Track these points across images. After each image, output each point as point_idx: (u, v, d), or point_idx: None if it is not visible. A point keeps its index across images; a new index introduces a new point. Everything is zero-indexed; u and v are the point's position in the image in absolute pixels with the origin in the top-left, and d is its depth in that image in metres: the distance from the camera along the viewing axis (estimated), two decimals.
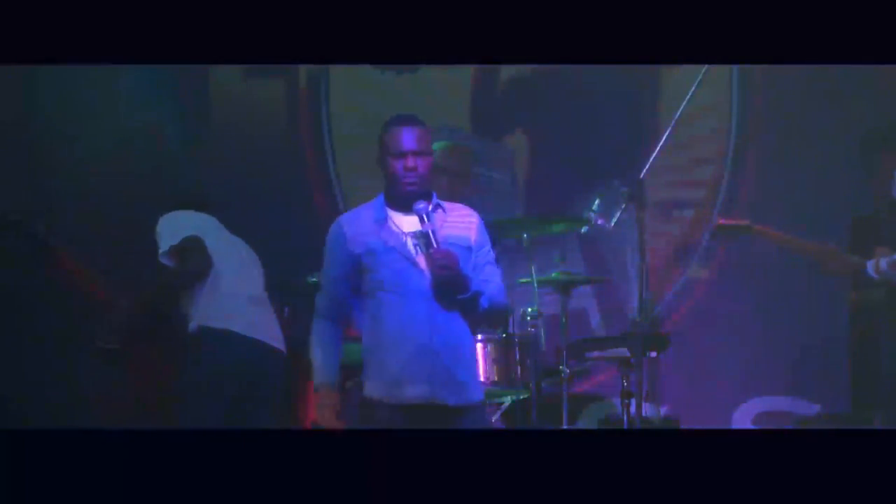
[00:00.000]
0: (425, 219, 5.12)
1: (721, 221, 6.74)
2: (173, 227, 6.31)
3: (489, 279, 5.21)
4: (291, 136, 8.40)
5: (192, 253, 6.26)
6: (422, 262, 5.12)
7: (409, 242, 5.16)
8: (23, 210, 7.43)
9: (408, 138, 5.14)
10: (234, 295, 6.36)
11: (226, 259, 6.37)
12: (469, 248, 5.18)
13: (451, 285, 5.09)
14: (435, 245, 5.09)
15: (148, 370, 7.02)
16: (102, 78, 7.76)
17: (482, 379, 6.06)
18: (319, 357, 5.21)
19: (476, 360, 5.42)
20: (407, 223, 5.19)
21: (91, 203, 7.80)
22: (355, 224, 5.22)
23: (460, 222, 5.22)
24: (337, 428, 5.07)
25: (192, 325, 6.28)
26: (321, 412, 5.13)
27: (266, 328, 6.41)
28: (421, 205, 5.13)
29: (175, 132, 8.02)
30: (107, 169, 7.83)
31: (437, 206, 5.21)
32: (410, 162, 5.13)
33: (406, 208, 5.18)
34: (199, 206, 6.50)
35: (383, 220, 5.17)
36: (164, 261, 6.27)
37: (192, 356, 6.27)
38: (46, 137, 7.95)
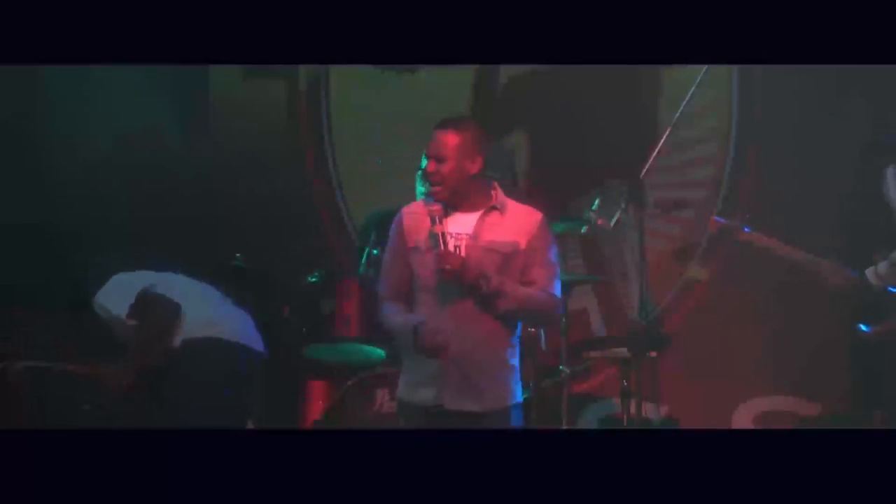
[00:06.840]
0: (436, 220, 5.12)
1: (718, 223, 6.68)
2: (118, 292, 6.27)
3: (534, 281, 5.15)
4: (291, 137, 8.40)
5: (155, 299, 6.24)
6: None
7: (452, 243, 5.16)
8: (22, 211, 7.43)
9: (432, 143, 5.18)
10: (209, 304, 6.35)
11: (182, 289, 6.35)
12: (511, 253, 5.13)
13: (465, 287, 5.07)
14: (443, 247, 5.09)
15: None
16: (102, 78, 7.76)
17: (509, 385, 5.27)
18: (399, 319, 5.18)
19: (504, 366, 5.18)
20: (450, 224, 5.19)
21: (91, 203, 7.80)
22: (413, 216, 5.25)
23: (512, 226, 5.17)
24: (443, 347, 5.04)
25: (177, 341, 6.25)
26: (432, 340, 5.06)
27: (246, 332, 6.38)
28: (433, 207, 5.15)
29: (175, 132, 8.03)
30: (107, 169, 7.83)
31: (493, 207, 5.18)
32: (430, 167, 5.18)
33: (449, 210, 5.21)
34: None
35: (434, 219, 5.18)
36: (132, 321, 6.22)
37: (182, 368, 6.23)
38: (46, 137, 7.94)
